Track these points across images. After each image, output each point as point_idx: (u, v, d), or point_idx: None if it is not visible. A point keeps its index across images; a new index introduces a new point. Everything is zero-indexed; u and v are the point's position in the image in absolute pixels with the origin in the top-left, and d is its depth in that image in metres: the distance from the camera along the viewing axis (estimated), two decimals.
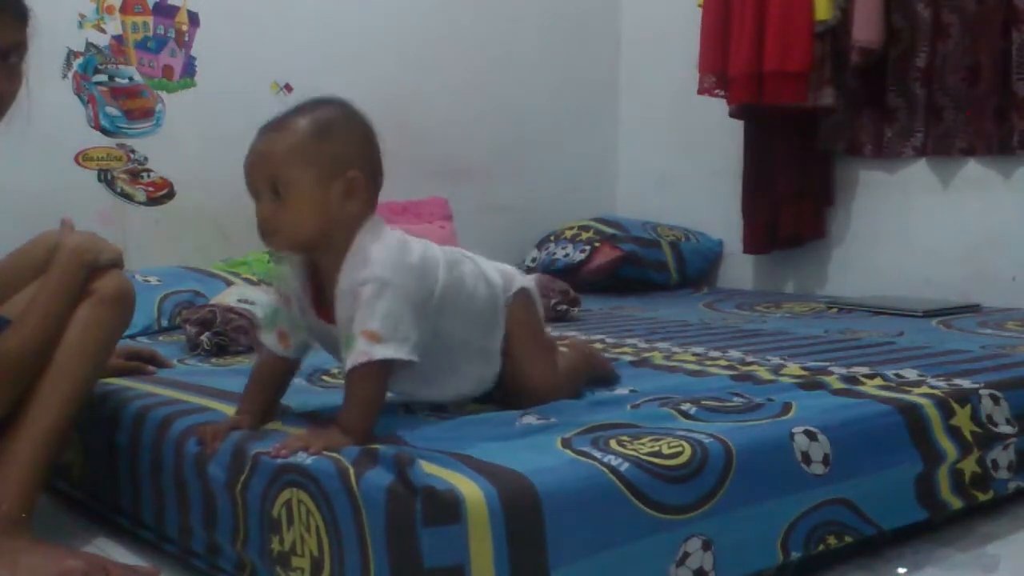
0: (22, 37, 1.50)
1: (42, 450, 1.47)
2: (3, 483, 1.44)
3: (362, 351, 1.33)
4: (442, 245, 1.55)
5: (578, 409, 1.53)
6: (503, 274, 1.63)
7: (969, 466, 1.60)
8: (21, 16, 1.49)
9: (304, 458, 1.23)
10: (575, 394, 1.64)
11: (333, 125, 1.41)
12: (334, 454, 1.23)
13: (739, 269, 3.71)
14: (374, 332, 1.33)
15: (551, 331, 1.98)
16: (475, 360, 1.56)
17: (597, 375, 1.77)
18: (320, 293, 1.47)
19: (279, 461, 1.26)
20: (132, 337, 2.26)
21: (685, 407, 1.52)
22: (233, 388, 1.62)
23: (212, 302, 2.38)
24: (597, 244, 3.46)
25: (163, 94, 3.03)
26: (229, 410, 1.51)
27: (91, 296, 1.54)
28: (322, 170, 1.38)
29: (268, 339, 1.50)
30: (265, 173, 1.38)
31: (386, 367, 1.35)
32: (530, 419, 1.46)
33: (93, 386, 1.61)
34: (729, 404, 1.55)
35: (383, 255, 1.38)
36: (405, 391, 1.55)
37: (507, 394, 1.59)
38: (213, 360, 2.08)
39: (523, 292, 1.63)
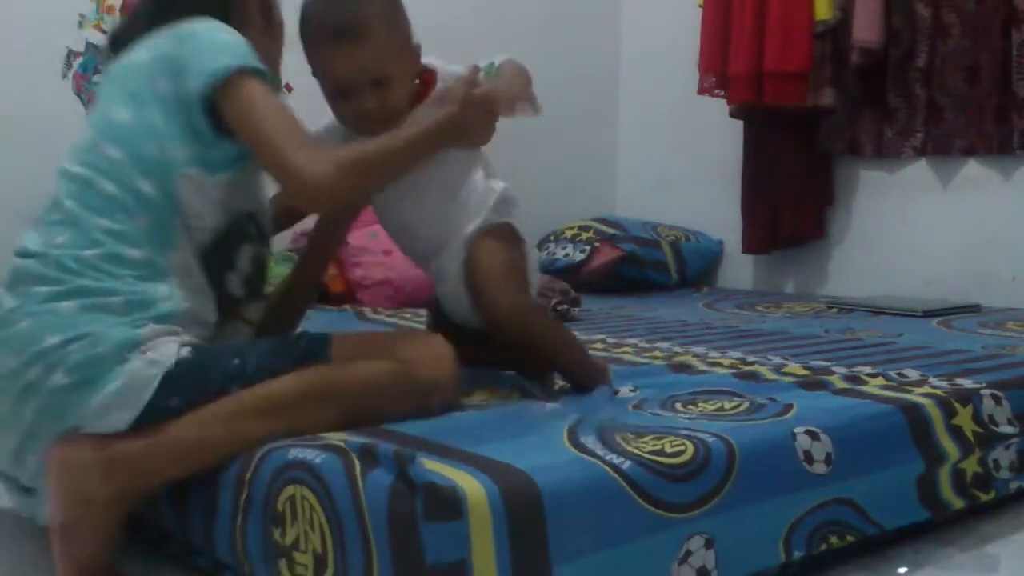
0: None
1: None
2: None
3: None
4: None
5: (584, 408, 1.53)
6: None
7: (971, 466, 1.60)
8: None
9: (313, 456, 1.24)
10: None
11: (395, 14, 1.60)
12: (339, 443, 1.24)
13: (739, 269, 3.72)
14: None
15: None
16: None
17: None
18: None
19: (285, 457, 1.26)
20: None
21: (686, 407, 1.52)
22: None
23: None
24: (597, 244, 3.46)
25: None
26: None
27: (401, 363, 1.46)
28: (408, 59, 1.62)
29: None
30: (371, 72, 1.55)
31: None
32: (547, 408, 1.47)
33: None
34: (731, 404, 1.55)
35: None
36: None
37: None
38: None
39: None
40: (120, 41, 1.57)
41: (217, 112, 1.43)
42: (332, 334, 1.51)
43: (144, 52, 1.49)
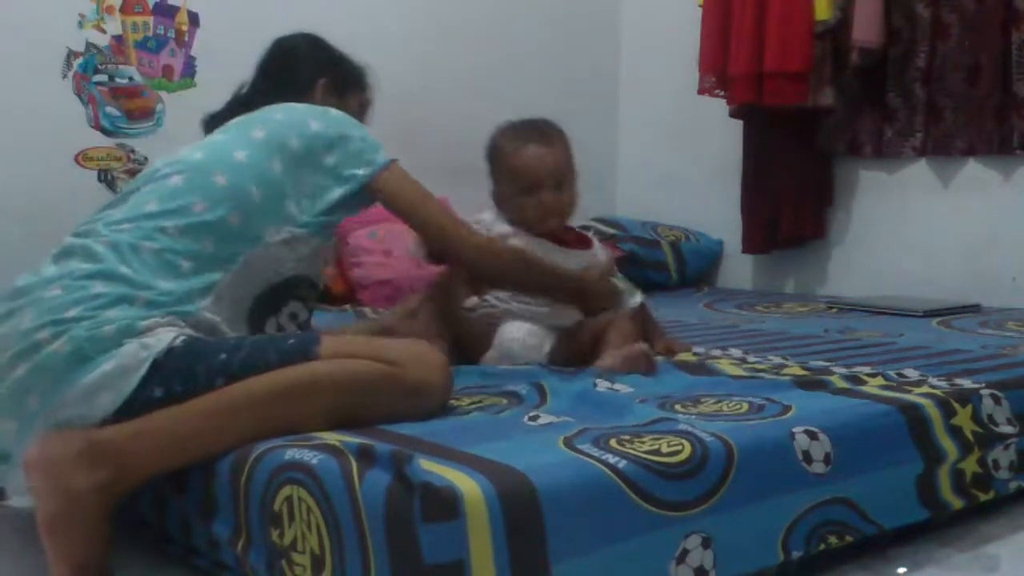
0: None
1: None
2: None
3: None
4: None
5: (583, 410, 1.53)
6: None
7: (970, 466, 1.60)
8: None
9: (310, 456, 1.23)
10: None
11: (570, 141, 2.06)
12: (336, 443, 1.23)
13: (739, 269, 3.71)
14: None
15: None
16: None
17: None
18: None
19: (282, 458, 1.26)
20: None
21: (686, 406, 1.52)
22: None
23: None
24: None
25: (163, 94, 3.03)
26: None
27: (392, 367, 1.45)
28: (575, 175, 2.06)
29: None
30: (556, 173, 1.99)
31: None
32: (537, 418, 1.46)
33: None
34: (730, 404, 1.55)
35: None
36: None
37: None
38: None
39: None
40: (220, 117, 1.88)
41: (369, 193, 1.74)
42: (323, 333, 1.52)
43: (279, 113, 1.74)
